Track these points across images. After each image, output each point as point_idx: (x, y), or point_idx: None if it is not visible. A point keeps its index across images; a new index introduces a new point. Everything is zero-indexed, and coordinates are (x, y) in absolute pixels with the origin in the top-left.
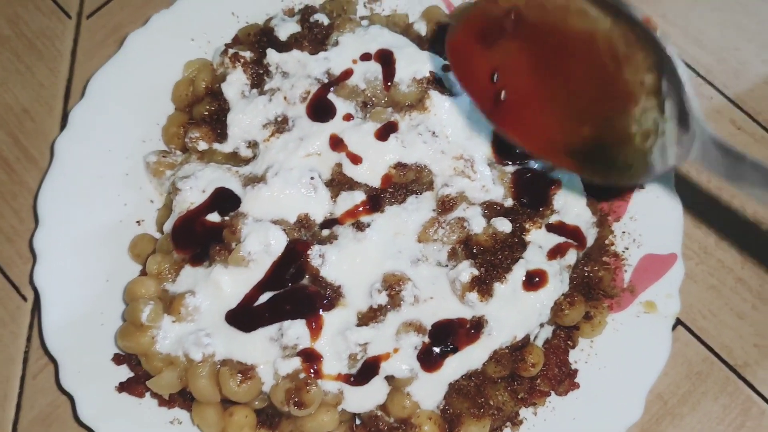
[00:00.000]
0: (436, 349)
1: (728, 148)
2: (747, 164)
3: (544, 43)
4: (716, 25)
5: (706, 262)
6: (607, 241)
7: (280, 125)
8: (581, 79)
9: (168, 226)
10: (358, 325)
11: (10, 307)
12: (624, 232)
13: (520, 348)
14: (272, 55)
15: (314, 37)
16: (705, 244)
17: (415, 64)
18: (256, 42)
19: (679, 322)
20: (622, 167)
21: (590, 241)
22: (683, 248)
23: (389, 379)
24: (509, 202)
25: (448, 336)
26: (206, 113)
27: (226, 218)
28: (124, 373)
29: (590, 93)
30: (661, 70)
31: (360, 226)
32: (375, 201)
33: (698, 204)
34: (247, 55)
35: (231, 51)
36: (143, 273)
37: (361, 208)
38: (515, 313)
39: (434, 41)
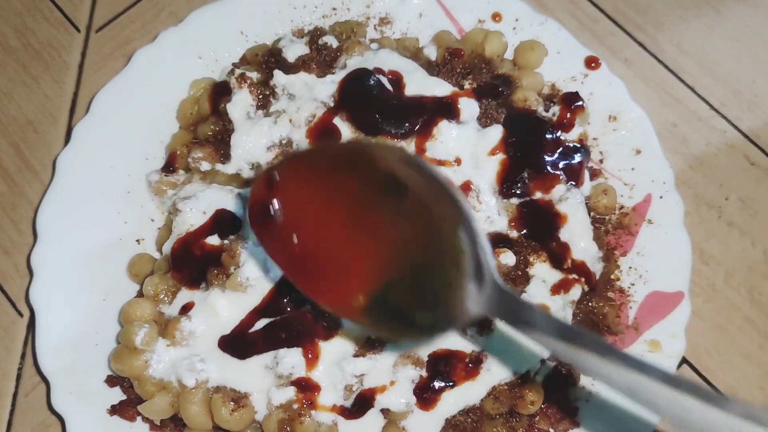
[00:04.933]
0: (434, 383)
1: (516, 298)
2: (535, 313)
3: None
4: (732, 57)
5: (713, 300)
6: (612, 276)
7: (285, 148)
8: (381, 232)
9: (167, 248)
10: (355, 355)
11: (5, 322)
12: (630, 268)
13: (519, 385)
14: (279, 77)
15: (322, 59)
16: (713, 281)
17: (424, 89)
18: (264, 62)
19: (684, 360)
20: (424, 324)
21: (596, 276)
22: (691, 285)
23: (384, 412)
24: (514, 234)
25: (446, 370)
26: (210, 133)
27: (226, 242)
28: (117, 395)
29: (391, 246)
30: (458, 224)
31: None
32: None
33: (707, 240)
34: (254, 75)
35: (238, 71)
36: (140, 294)
37: None
38: (516, 349)
39: (444, 65)
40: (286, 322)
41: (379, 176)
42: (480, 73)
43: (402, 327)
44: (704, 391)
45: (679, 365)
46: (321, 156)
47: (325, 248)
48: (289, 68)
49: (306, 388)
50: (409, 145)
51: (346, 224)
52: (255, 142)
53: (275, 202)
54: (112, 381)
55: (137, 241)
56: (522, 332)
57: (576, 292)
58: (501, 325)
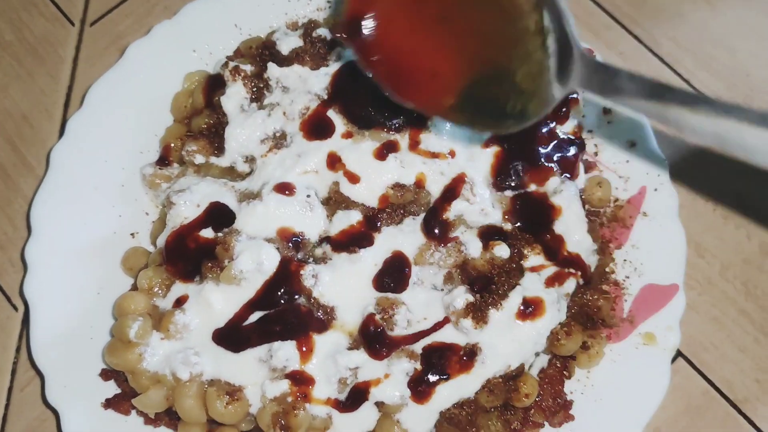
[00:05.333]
0: (428, 377)
1: (604, 64)
2: (623, 77)
3: None
4: (727, 51)
5: (708, 292)
6: (607, 269)
7: (279, 141)
8: (468, 27)
9: (161, 241)
10: (349, 348)
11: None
12: (625, 260)
13: (514, 377)
14: (273, 70)
15: (316, 51)
16: (708, 274)
17: None
18: (258, 55)
19: (679, 353)
20: (515, 113)
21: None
22: (686, 278)
23: (379, 405)
24: (508, 227)
25: (440, 363)
26: (204, 126)
27: (220, 235)
28: (112, 389)
29: (478, 41)
30: (542, 5)
31: (353, 248)
32: (371, 221)
33: (702, 233)
34: (248, 68)
35: (231, 64)
36: (135, 287)
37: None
38: (510, 342)
39: None
40: (280, 315)
41: None
42: None
43: (495, 118)
44: None
45: (674, 358)
46: None
47: (415, 52)
48: (283, 61)
49: (300, 381)
50: (403, 138)
51: (432, 26)
52: (249, 134)
53: (367, 14)
54: (106, 375)
55: (131, 234)
56: (613, 100)
57: (570, 284)
58: (496, 317)
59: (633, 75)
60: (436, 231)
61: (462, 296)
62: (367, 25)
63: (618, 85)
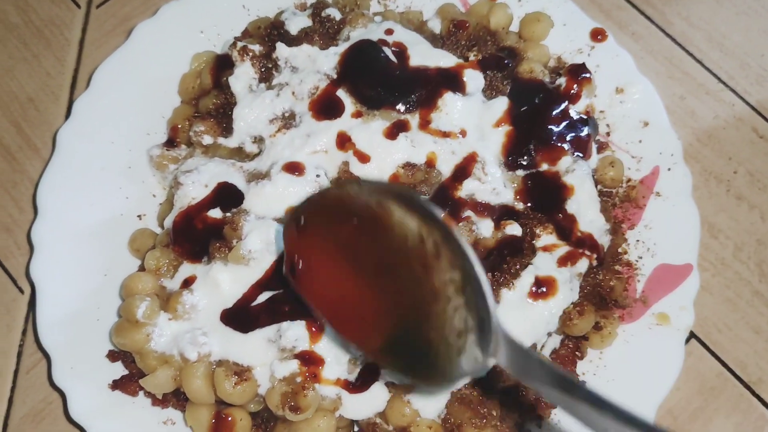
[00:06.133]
0: None
1: (516, 344)
2: (534, 363)
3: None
4: (740, 30)
5: (722, 273)
6: (620, 250)
7: (287, 121)
8: (393, 280)
9: (168, 222)
10: None
11: (5, 299)
12: (638, 241)
13: None
14: (282, 49)
15: (325, 32)
16: (722, 255)
17: (428, 60)
18: (266, 36)
19: (692, 335)
20: (437, 369)
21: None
22: (699, 259)
23: (389, 385)
24: (520, 206)
25: None
26: (212, 107)
27: (228, 215)
28: (119, 370)
29: (402, 295)
30: (467, 279)
31: None
32: None
33: (716, 214)
34: (257, 48)
35: (240, 44)
36: (142, 268)
37: None
38: (522, 321)
39: (448, 38)
40: (289, 295)
41: (392, 231)
42: (485, 45)
43: (420, 373)
44: None
45: (688, 339)
46: (337, 203)
47: (344, 297)
48: (292, 41)
49: (309, 361)
50: (414, 117)
51: (359, 276)
52: (257, 114)
53: (299, 257)
54: (113, 356)
55: (138, 216)
56: (527, 384)
57: (583, 264)
58: (507, 296)
59: (543, 363)
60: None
61: None
62: (301, 268)
63: (530, 371)
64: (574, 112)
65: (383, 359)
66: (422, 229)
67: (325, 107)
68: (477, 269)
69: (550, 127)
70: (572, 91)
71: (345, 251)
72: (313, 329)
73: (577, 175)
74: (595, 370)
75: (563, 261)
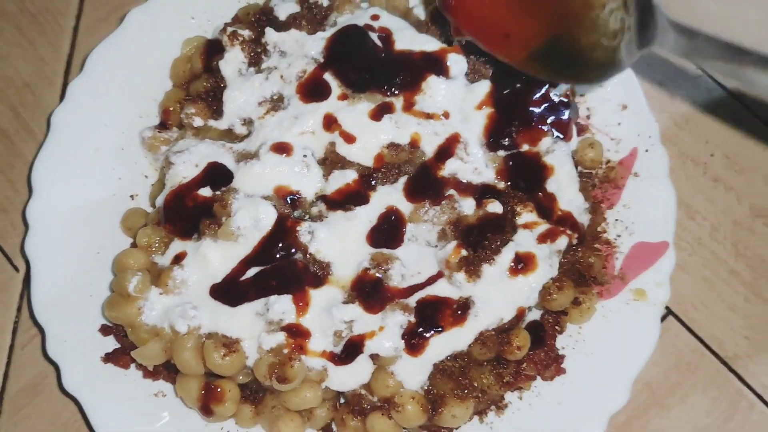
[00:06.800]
0: (422, 329)
1: (684, 26)
2: (701, 39)
3: None
4: (718, 18)
5: (699, 253)
6: (599, 228)
7: (276, 103)
8: None
9: (160, 200)
10: (345, 302)
11: (1, 277)
12: (617, 220)
13: (506, 330)
14: (270, 34)
15: (313, 17)
16: (699, 235)
17: (413, 45)
18: (256, 21)
19: (670, 312)
20: (592, 66)
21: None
22: (676, 239)
23: (374, 357)
24: (501, 185)
25: (434, 316)
26: (203, 90)
27: (218, 193)
28: (111, 344)
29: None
30: None
31: (349, 206)
32: (367, 180)
33: (693, 196)
34: (246, 33)
35: (230, 29)
36: (134, 246)
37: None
38: (502, 295)
39: (433, 24)
40: (276, 270)
41: None
42: None
43: (576, 70)
44: None
45: (665, 317)
46: None
47: (504, 8)
48: (281, 26)
49: (296, 333)
50: (398, 100)
51: None
52: (247, 97)
53: None
54: (105, 330)
55: (131, 197)
56: (692, 61)
57: (563, 241)
58: (488, 272)
59: (710, 37)
60: (427, 189)
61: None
62: None
63: (697, 48)
64: (554, 96)
65: (531, 66)
66: None
67: (313, 90)
68: None
69: (531, 109)
70: None
71: None
72: (300, 303)
73: (557, 155)
74: (574, 345)
75: (543, 238)
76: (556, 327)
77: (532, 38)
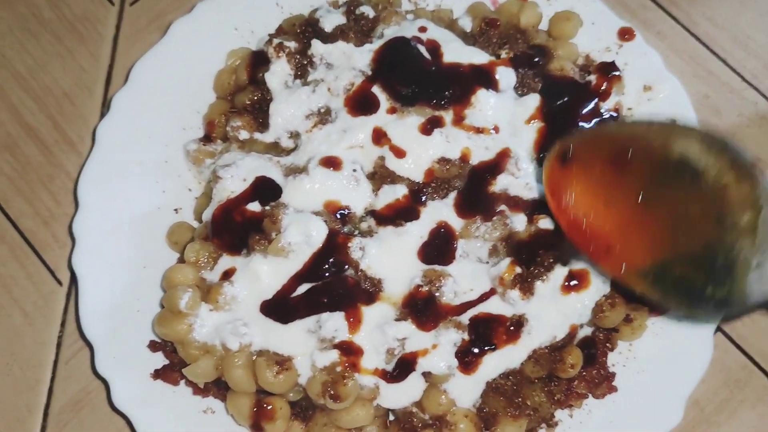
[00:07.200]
0: (475, 347)
1: None
2: None
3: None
4: (764, 31)
5: None
6: None
7: (323, 116)
8: (667, 211)
9: (207, 215)
10: (397, 319)
11: (44, 291)
12: None
13: (559, 348)
14: (317, 46)
15: (360, 28)
16: None
17: (461, 57)
18: (301, 32)
19: (718, 328)
20: (710, 298)
21: None
22: None
23: (426, 375)
24: None
25: (487, 333)
26: (248, 102)
27: (267, 208)
28: (159, 360)
29: (674, 225)
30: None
31: (400, 221)
32: (417, 195)
33: None
34: (292, 45)
35: (276, 41)
36: (181, 261)
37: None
38: (555, 313)
39: (480, 36)
40: (327, 286)
41: (668, 158)
42: (515, 43)
43: (688, 299)
44: None
45: (714, 333)
46: (607, 136)
47: (611, 222)
48: (327, 38)
49: (349, 351)
50: (448, 113)
51: (631, 202)
52: (294, 110)
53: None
54: (154, 346)
55: (175, 210)
56: None
57: None
58: (541, 289)
59: None
60: (478, 204)
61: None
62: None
63: None
64: (603, 110)
65: (642, 285)
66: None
67: (361, 103)
68: None
69: (580, 123)
70: (602, 89)
71: (618, 180)
72: (352, 320)
73: None
74: (624, 362)
75: None
76: (607, 344)
77: (638, 259)
